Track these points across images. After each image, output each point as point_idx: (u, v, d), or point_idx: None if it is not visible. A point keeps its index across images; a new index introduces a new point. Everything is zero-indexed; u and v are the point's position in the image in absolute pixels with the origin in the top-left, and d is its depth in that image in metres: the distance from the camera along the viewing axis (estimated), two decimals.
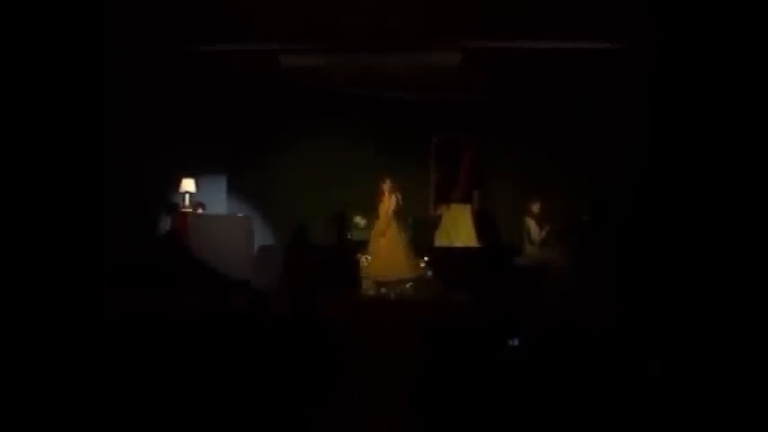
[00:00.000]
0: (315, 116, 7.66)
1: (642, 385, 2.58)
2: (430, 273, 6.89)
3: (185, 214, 6.52)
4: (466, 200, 7.72)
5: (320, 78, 7.39)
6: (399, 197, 6.57)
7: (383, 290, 6.46)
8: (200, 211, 6.71)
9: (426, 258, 6.95)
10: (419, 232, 7.01)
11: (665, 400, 2.48)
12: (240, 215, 7.21)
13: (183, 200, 6.66)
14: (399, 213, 6.61)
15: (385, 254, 6.42)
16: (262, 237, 7.45)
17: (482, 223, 7.45)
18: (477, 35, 5.74)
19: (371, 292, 6.48)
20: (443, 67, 6.46)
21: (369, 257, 6.86)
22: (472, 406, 2.70)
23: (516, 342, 2.91)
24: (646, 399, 2.54)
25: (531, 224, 6.38)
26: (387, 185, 6.51)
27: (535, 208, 6.43)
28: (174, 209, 6.66)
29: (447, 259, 6.99)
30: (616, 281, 5.43)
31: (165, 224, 6.54)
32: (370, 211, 7.23)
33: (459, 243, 7.30)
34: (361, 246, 7.11)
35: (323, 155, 7.69)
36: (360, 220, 7.44)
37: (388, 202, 6.49)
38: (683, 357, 2.65)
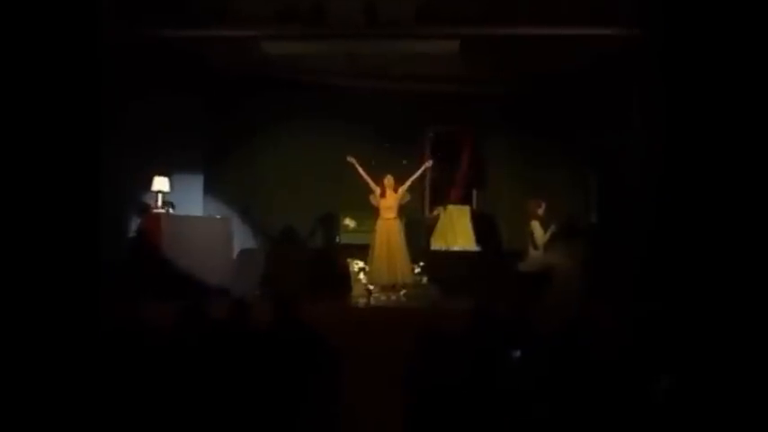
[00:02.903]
0: (300, 109, 7.62)
1: (653, 401, 2.59)
2: (425, 279, 6.91)
3: (158, 215, 6.47)
4: (464, 200, 7.73)
5: (306, 68, 7.37)
6: (407, 193, 6.61)
7: (377, 295, 6.46)
8: (170, 211, 6.64)
9: (422, 263, 6.96)
10: (414, 235, 7.02)
11: (675, 417, 2.50)
12: (218, 216, 7.16)
13: (156, 200, 6.60)
14: (401, 213, 6.64)
15: (387, 256, 6.44)
16: (242, 240, 7.41)
17: (482, 225, 7.48)
18: (476, 21, 5.74)
19: (363, 300, 6.47)
20: (440, 56, 6.46)
21: (359, 262, 6.86)
22: (471, 422, 2.70)
23: (518, 354, 2.91)
24: (656, 416, 2.56)
25: (536, 226, 6.40)
26: (389, 182, 6.54)
27: (539, 209, 6.45)
28: (144, 209, 6.60)
29: (444, 264, 7.02)
30: (627, 287, 5.46)
31: (135, 226, 6.48)
32: (360, 212, 7.23)
33: (456, 246, 7.32)
34: (351, 249, 7.10)
35: (308, 151, 7.66)
36: (349, 222, 7.43)
37: (393, 198, 6.53)
38: (698, 371, 2.67)
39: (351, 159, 6.54)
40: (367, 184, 6.60)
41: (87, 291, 2.41)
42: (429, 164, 6.91)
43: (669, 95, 4.92)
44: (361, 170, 6.55)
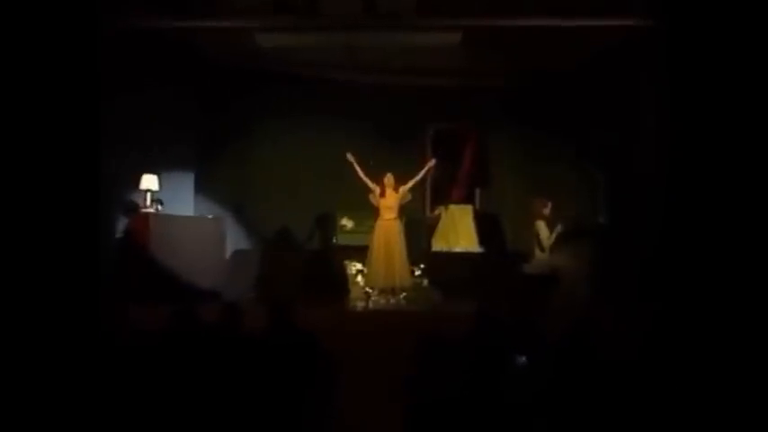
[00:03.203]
0: (295, 104, 7.62)
1: (667, 411, 2.60)
2: (426, 281, 6.92)
3: (146, 215, 6.46)
4: (467, 199, 7.73)
5: (301, 61, 7.37)
6: (408, 193, 6.59)
7: (376, 298, 6.46)
8: (159, 208, 6.62)
9: (422, 265, 6.96)
10: (414, 235, 7.02)
11: (683, 420, 2.51)
12: (210, 216, 7.16)
13: (144, 199, 6.60)
14: (402, 213, 6.63)
15: (385, 258, 6.43)
16: (235, 241, 7.41)
17: (485, 225, 7.48)
18: (479, 12, 5.74)
19: (361, 304, 6.48)
20: (442, 49, 6.45)
21: (356, 264, 6.87)
22: (474, 430, 2.70)
23: (523, 360, 2.92)
24: (672, 426, 2.57)
25: (541, 226, 6.41)
26: (389, 181, 6.53)
27: (545, 208, 6.46)
28: (132, 209, 6.59)
29: (445, 266, 7.02)
30: (637, 291, 5.46)
31: (122, 227, 6.47)
32: (358, 212, 7.23)
33: (459, 248, 7.33)
34: (349, 250, 7.10)
35: (304, 148, 7.66)
36: (347, 222, 7.44)
37: (394, 198, 6.52)
38: (714, 378, 2.67)
39: (350, 157, 6.52)
40: (365, 184, 6.58)
41: (84, 294, 2.43)
42: (432, 163, 6.90)
43: (679, 88, 4.91)
44: (358, 169, 6.53)
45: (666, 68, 5.23)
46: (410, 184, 6.65)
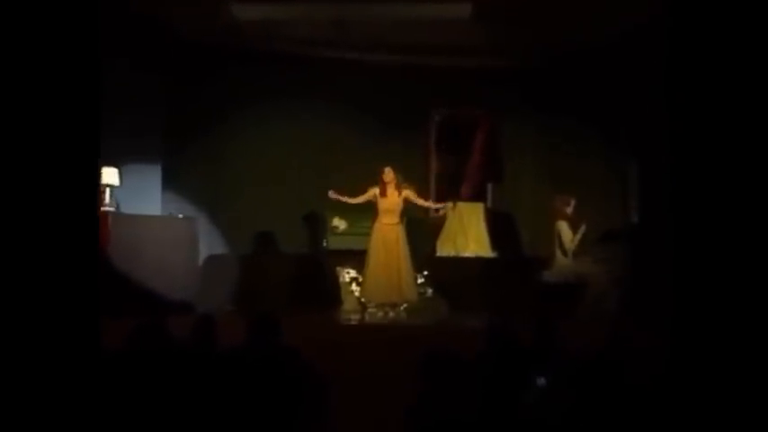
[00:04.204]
0: (278, 87, 7.65)
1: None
2: (430, 291, 6.94)
3: (105, 214, 6.47)
4: (477, 196, 7.76)
5: (285, 37, 7.39)
6: (411, 193, 6.62)
7: (373, 310, 6.48)
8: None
9: (426, 272, 6.98)
10: (416, 237, 7.04)
11: None
12: (181, 216, 7.19)
13: (103, 195, 6.61)
14: (404, 216, 6.65)
15: (384, 270, 6.42)
16: (210, 244, 7.44)
17: (498, 226, 7.51)
18: None
19: (356, 316, 6.50)
20: (448, 23, 6.47)
21: (350, 271, 6.88)
22: None
23: (543, 382, 2.93)
24: None
25: (563, 227, 6.44)
26: (389, 177, 6.53)
27: (568, 207, 6.50)
28: None
29: (453, 273, 7.05)
30: (673, 301, 5.47)
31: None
32: (352, 211, 7.24)
33: (468, 252, 7.37)
34: (341, 255, 7.12)
35: (289, 137, 7.70)
36: (338, 223, 7.46)
37: (395, 198, 6.53)
38: (761, 402, 2.68)
39: (332, 195, 6.46)
40: (361, 204, 6.55)
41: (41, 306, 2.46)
42: (452, 206, 6.84)
43: (721, 66, 4.90)
44: (347, 200, 6.48)
45: (704, 44, 5.24)
46: (418, 201, 6.67)
